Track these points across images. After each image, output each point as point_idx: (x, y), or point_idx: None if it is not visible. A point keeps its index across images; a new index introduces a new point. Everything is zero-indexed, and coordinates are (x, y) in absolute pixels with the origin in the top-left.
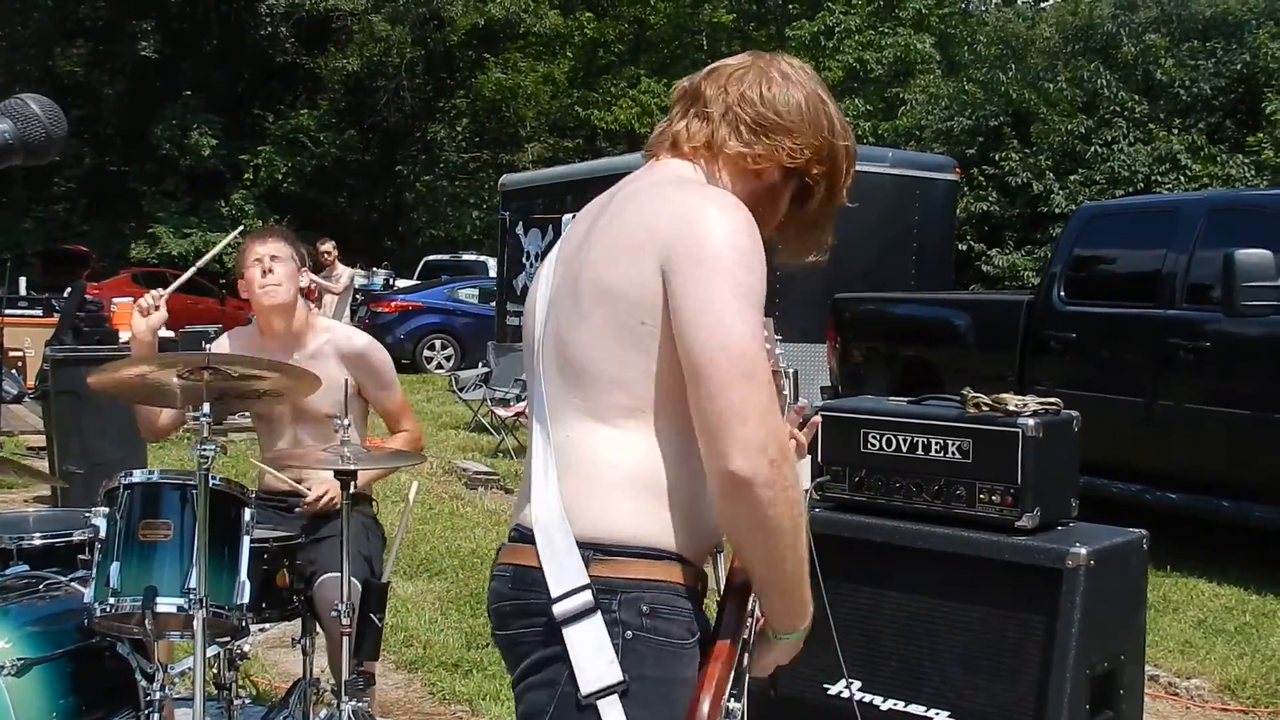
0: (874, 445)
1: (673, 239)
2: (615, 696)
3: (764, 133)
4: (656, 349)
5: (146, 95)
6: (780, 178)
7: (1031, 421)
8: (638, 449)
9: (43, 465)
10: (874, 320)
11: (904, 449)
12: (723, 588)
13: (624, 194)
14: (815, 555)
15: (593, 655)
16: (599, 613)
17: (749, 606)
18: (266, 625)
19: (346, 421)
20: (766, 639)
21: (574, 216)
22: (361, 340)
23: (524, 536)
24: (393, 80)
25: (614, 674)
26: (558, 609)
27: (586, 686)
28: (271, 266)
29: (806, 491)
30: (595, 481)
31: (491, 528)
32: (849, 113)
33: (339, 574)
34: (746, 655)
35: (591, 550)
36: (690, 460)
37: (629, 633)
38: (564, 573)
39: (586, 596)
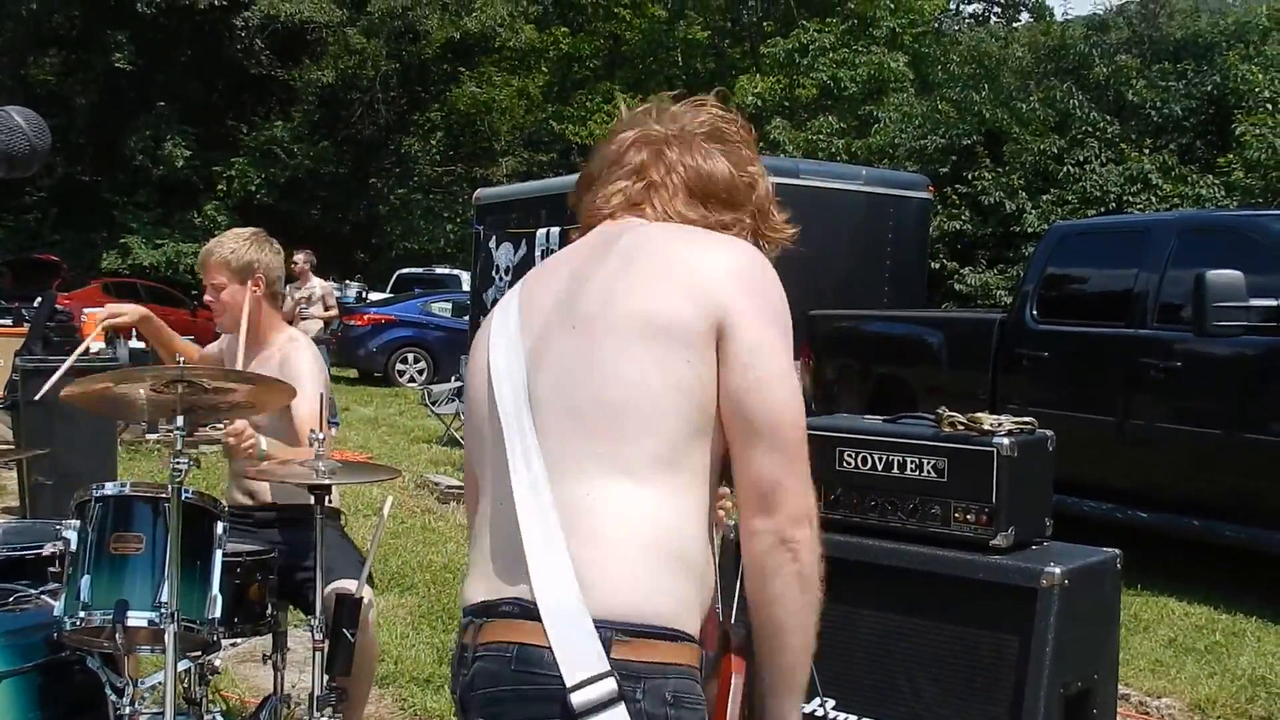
0: (849, 463)
1: (725, 282)
2: None
3: (711, 207)
4: (697, 393)
5: (120, 105)
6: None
7: (1006, 441)
8: (665, 510)
9: (11, 476)
10: (847, 337)
11: (879, 467)
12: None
13: (631, 240)
14: None
15: None
16: (623, 704)
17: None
18: (238, 640)
19: (323, 435)
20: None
21: (548, 231)
22: (305, 350)
23: (524, 611)
24: (367, 93)
25: None
26: (576, 698)
27: None
28: (214, 296)
29: None
30: (620, 548)
31: (463, 542)
32: (823, 130)
33: (349, 581)
34: None
35: (612, 629)
36: (706, 524)
37: None
38: (581, 655)
39: (610, 685)
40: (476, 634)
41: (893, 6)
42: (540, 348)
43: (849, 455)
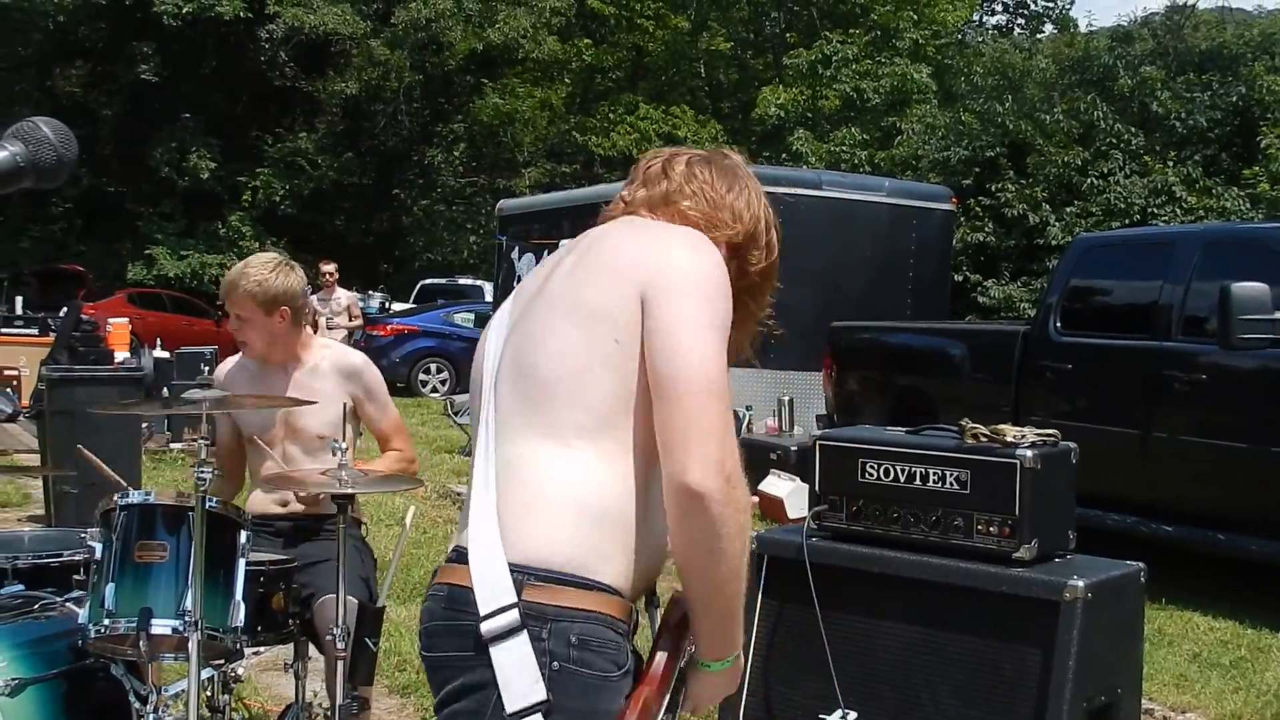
0: (872, 475)
1: (652, 264)
2: (539, 716)
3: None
4: (625, 369)
5: (145, 117)
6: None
7: (1029, 453)
8: (588, 472)
9: (36, 484)
10: (870, 349)
11: (902, 479)
12: (657, 628)
13: (596, 232)
14: (813, 584)
15: (518, 673)
16: (525, 631)
17: (684, 643)
18: (261, 649)
19: (344, 445)
20: (698, 671)
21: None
22: (358, 357)
23: (460, 556)
24: (391, 104)
25: (539, 693)
26: (485, 626)
27: (512, 704)
28: (238, 326)
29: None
30: (538, 501)
31: None
32: (845, 142)
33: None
34: (681, 690)
35: (525, 574)
36: (639, 490)
37: (556, 664)
38: (493, 591)
39: (513, 615)
40: (433, 578)
41: (916, 18)
42: (515, 325)
43: (871, 467)
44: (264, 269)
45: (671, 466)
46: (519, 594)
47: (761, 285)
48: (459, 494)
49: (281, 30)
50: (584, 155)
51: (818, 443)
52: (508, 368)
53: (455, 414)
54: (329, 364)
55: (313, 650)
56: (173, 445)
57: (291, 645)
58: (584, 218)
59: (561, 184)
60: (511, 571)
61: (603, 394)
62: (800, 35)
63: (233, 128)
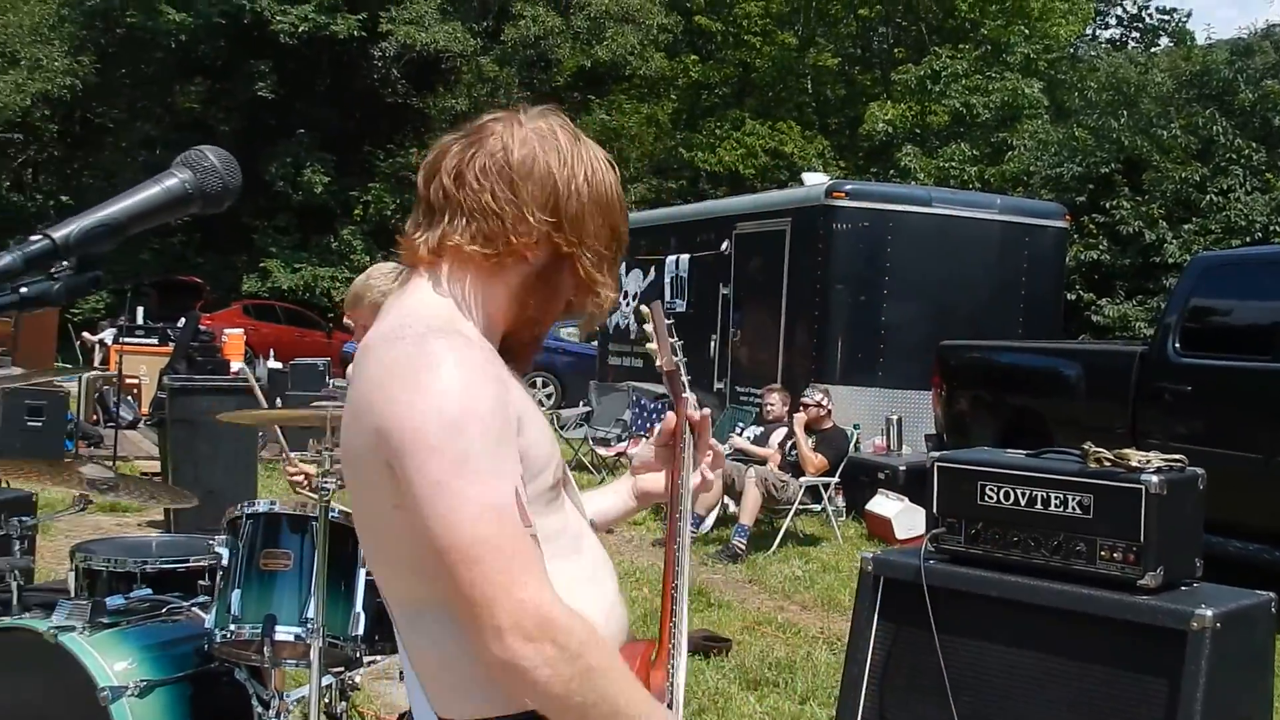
0: (991, 498)
1: (383, 422)
2: None
3: (485, 217)
4: (398, 525)
5: (261, 133)
6: (541, 261)
7: (1155, 478)
8: (451, 629)
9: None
10: (980, 368)
11: (1022, 502)
12: None
13: (363, 350)
14: (930, 607)
15: None
16: None
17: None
18: (378, 657)
19: None
20: None
21: (676, 258)
22: None
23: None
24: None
25: None
26: None
27: None
28: (362, 335)
29: (921, 539)
30: (435, 666)
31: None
32: (955, 158)
33: None
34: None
35: None
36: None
37: None
38: None
39: None
40: None
41: (1027, 33)
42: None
43: (991, 489)
44: (387, 279)
45: (473, 649)
46: None
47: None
48: None
49: (394, 48)
50: (690, 171)
51: (935, 464)
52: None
53: (561, 428)
54: None
55: None
56: (290, 455)
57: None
58: (690, 233)
59: (668, 199)
60: None
61: (414, 562)
62: (908, 50)
63: (345, 143)
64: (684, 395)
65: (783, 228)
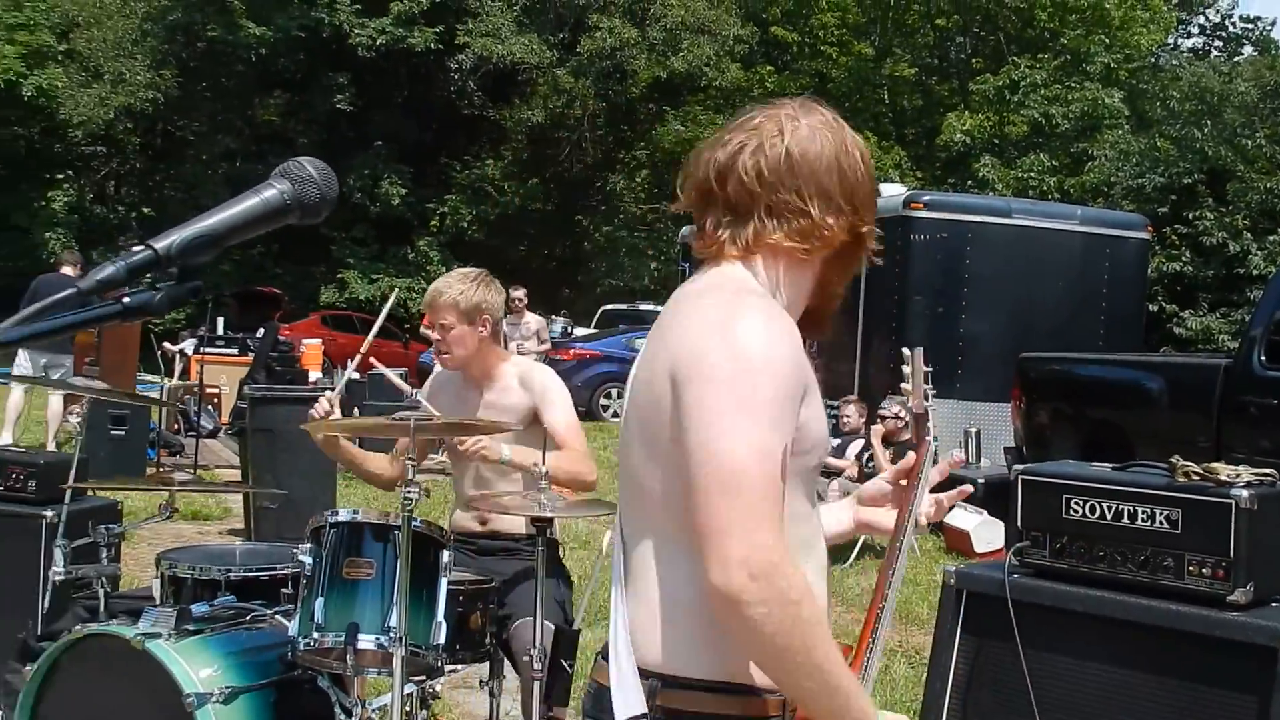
0: (1076, 511)
1: (679, 353)
2: None
3: (796, 215)
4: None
5: (339, 145)
6: (837, 250)
7: (1245, 493)
8: (684, 573)
9: (237, 499)
10: (1061, 381)
11: (1108, 516)
12: None
13: (665, 308)
14: (1015, 622)
15: None
16: None
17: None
18: (459, 666)
19: (545, 469)
20: None
21: None
22: (541, 368)
23: (606, 656)
24: (575, 131)
25: None
26: None
27: None
28: (441, 335)
29: (1003, 551)
30: (654, 608)
31: None
32: (1034, 168)
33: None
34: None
35: (656, 679)
36: None
37: None
38: (627, 699)
39: None
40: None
41: (1108, 42)
42: (624, 419)
43: (1076, 503)
44: (466, 280)
45: (698, 571)
46: (652, 700)
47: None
48: None
49: (470, 60)
50: None
51: (1019, 477)
52: (621, 463)
53: None
54: (517, 381)
55: (507, 669)
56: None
57: (486, 663)
58: None
59: None
60: (643, 677)
61: (674, 496)
62: (986, 60)
63: (422, 155)
64: (928, 440)
65: None
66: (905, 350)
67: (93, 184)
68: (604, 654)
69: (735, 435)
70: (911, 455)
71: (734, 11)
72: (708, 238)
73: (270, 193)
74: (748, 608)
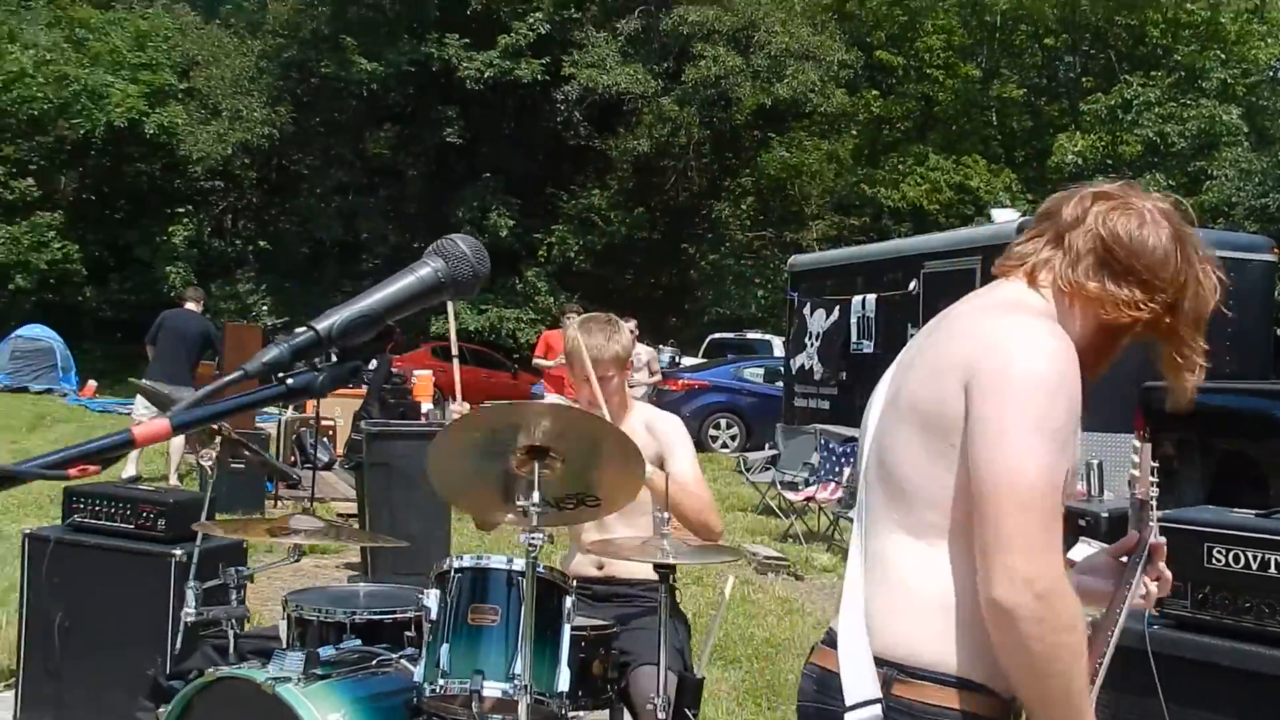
0: (1219, 560)
1: (978, 361)
2: None
3: (1125, 279)
4: (962, 472)
5: (448, 177)
6: (1128, 324)
7: None
8: (948, 570)
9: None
10: (1188, 411)
11: (1254, 566)
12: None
13: (954, 312)
14: (1157, 675)
15: None
16: None
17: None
18: (581, 713)
19: (668, 515)
20: None
21: (863, 298)
22: (667, 415)
23: (832, 640)
24: (680, 160)
25: None
26: (850, 717)
27: None
28: (603, 388)
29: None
30: (904, 599)
31: (784, 615)
32: (1149, 187)
33: (656, 665)
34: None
35: (893, 669)
36: None
37: None
38: (859, 683)
39: (877, 710)
40: (809, 656)
41: (1224, 57)
42: (885, 410)
43: (1219, 552)
44: (612, 328)
45: (979, 580)
46: (887, 688)
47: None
48: (754, 554)
49: (576, 91)
50: (873, 208)
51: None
52: (873, 461)
53: (747, 470)
54: (644, 426)
55: (626, 715)
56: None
57: (605, 710)
58: (879, 273)
59: (850, 237)
60: (878, 664)
61: (949, 496)
62: (1097, 79)
63: (529, 186)
64: (1150, 524)
65: (973, 266)
66: (1135, 443)
67: (211, 218)
68: (826, 640)
69: (1032, 455)
70: (1133, 534)
71: (838, 37)
72: (1026, 258)
73: (425, 271)
74: (1025, 624)
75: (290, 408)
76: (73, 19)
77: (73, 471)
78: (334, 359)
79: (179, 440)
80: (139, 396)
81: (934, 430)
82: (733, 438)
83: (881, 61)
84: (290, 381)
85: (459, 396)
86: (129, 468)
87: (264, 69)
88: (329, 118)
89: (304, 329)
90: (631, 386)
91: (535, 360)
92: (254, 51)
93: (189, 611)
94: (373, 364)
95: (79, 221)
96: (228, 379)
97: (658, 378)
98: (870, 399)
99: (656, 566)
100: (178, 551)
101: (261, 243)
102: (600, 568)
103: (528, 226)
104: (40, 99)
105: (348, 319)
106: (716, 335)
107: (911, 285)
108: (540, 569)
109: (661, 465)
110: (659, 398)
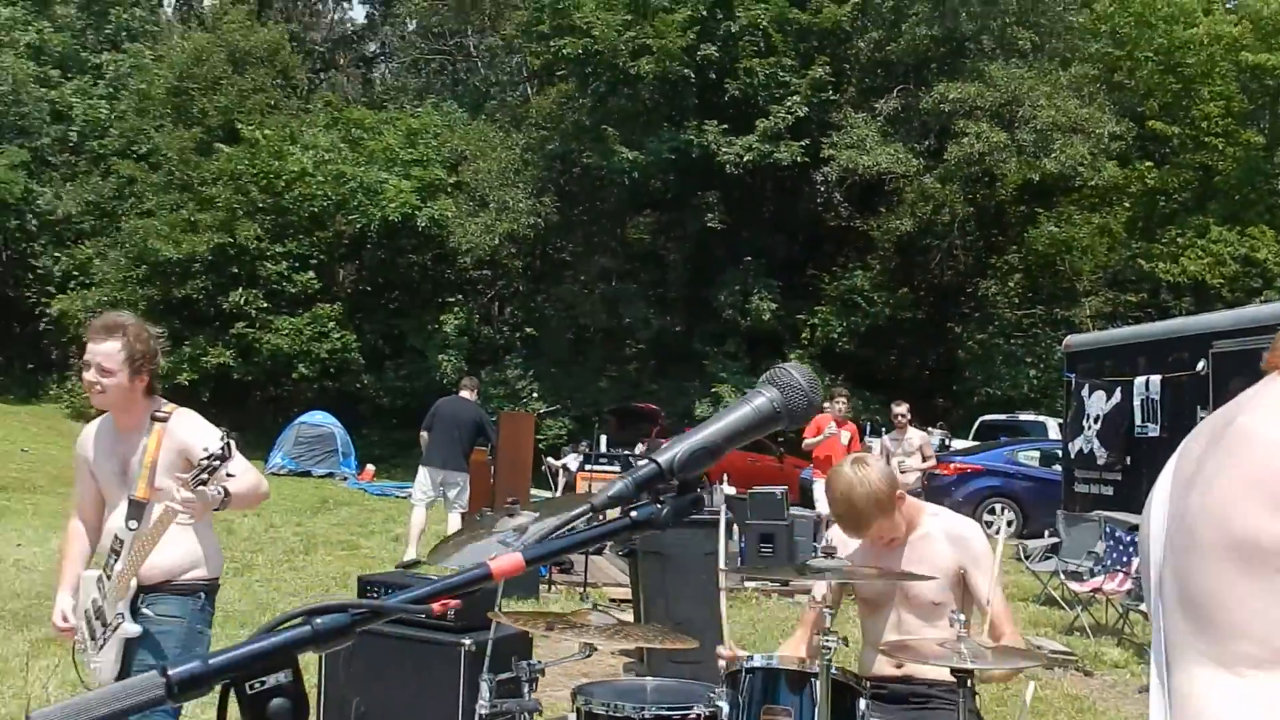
0: None
1: None
2: None
3: None
4: None
5: (709, 261)
6: None
7: None
8: (1267, 710)
9: (627, 616)
10: None
11: None
12: None
13: (1245, 417)
14: None
15: None
16: None
17: None
18: None
19: (963, 617)
20: None
21: (1146, 379)
22: (968, 525)
23: None
24: (944, 238)
25: None
26: None
27: None
28: (884, 536)
29: None
30: None
31: (1075, 715)
32: None
33: None
34: None
35: None
36: None
37: None
38: None
39: None
40: None
41: None
42: (1172, 523)
43: None
44: (880, 470)
45: None
46: None
47: None
48: (1038, 648)
49: (836, 172)
50: (1150, 283)
51: None
52: (1170, 578)
53: (1028, 559)
54: (940, 530)
55: None
56: (747, 584)
57: None
58: (1161, 353)
59: (1126, 313)
60: None
61: (1269, 624)
62: None
63: (790, 268)
64: None
65: (1267, 345)
66: None
67: (480, 306)
68: None
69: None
70: None
71: (1107, 108)
72: None
73: (760, 400)
74: None
75: (559, 489)
76: (349, 120)
77: (436, 606)
78: (676, 490)
79: (456, 522)
80: (417, 480)
81: (1245, 553)
82: (1009, 523)
83: (1155, 131)
84: (634, 514)
85: (725, 480)
86: (410, 550)
87: (528, 161)
88: (591, 206)
89: (646, 462)
90: (903, 472)
91: (805, 442)
92: (518, 144)
93: (483, 704)
94: (639, 447)
95: (356, 312)
96: (575, 514)
97: (931, 462)
98: (1150, 497)
99: (954, 670)
100: (467, 641)
101: (528, 329)
102: (899, 666)
103: (790, 309)
104: (320, 196)
105: (689, 451)
106: (987, 417)
107: (1200, 365)
108: (834, 671)
109: (963, 579)
110: (930, 482)
